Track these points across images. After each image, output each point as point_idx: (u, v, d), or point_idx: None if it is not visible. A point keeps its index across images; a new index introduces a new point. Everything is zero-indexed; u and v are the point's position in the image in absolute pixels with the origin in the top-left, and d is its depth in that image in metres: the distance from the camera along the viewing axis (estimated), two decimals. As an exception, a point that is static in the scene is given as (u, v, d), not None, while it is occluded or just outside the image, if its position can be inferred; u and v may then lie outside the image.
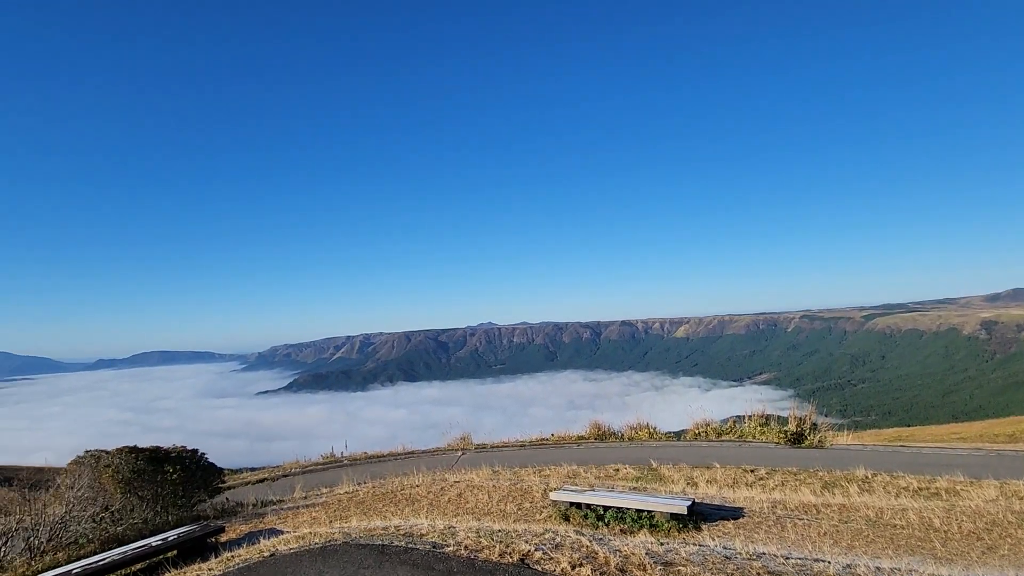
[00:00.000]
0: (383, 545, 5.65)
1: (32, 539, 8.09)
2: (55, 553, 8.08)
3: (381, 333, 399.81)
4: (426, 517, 7.52)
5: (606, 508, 8.42)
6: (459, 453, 17.33)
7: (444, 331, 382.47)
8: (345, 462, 17.96)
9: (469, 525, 6.65)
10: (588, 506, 8.60)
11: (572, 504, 8.75)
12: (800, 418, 14.83)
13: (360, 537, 6.05)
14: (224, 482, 11.67)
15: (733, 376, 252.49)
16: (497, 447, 18.13)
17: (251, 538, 7.93)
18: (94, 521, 8.91)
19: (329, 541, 5.98)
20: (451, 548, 5.50)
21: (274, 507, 10.96)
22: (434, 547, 5.58)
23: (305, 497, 11.69)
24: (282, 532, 8.18)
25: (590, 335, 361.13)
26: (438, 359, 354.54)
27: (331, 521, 9.14)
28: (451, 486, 11.00)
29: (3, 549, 7.81)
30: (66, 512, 8.87)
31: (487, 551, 5.38)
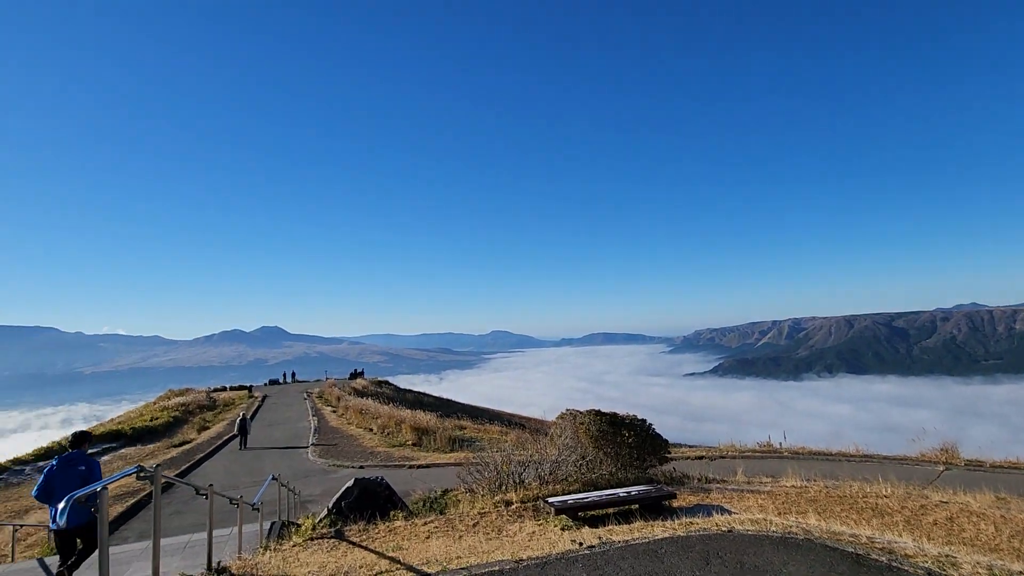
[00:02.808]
0: (858, 554, 4.90)
1: (539, 470, 10.75)
2: (553, 484, 10.49)
3: (814, 317, 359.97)
4: (909, 537, 6.17)
5: None
6: (940, 467, 13.77)
7: (900, 315, 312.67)
8: (785, 454, 16.87)
9: (976, 559, 5.09)
10: None
11: None
12: None
13: (824, 538, 5.44)
14: (669, 453, 12.65)
15: None
16: (1000, 467, 13.58)
17: (701, 510, 8.29)
18: (575, 466, 11.13)
19: (788, 533, 5.61)
20: (956, 584, 4.31)
21: (718, 486, 11.19)
22: (929, 574, 4.49)
23: (748, 482, 11.51)
24: (731, 512, 8.24)
25: None
26: (894, 348, 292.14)
27: (781, 513, 8.64)
28: (935, 506, 8.78)
29: (524, 473, 10.66)
30: (558, 455, 11.41)
31: (1019, 603, 3.97)
